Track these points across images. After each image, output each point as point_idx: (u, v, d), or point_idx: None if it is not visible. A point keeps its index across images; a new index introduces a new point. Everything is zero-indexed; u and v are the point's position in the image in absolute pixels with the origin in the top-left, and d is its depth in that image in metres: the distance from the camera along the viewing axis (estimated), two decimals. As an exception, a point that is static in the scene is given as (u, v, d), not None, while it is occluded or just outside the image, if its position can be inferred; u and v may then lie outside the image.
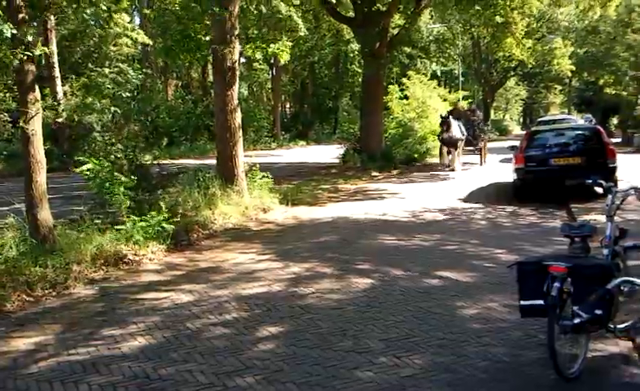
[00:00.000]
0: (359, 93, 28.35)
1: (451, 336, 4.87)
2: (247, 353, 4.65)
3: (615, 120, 43.41)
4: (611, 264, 4.21)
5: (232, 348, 4.76)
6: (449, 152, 19.46)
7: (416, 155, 23.11)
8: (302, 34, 19.97)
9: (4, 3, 6.97)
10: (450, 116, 18.96)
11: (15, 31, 6.51)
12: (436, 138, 20.87)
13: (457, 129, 18.85)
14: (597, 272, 3.94)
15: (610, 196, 4.61)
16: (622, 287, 4.04)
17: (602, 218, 6.22)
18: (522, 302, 4.10)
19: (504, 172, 15.73)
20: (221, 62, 11.41)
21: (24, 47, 6.84)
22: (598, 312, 3.86)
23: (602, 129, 13.13)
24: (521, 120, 77.87)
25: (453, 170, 18.86)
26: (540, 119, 33.55)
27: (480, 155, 21.42)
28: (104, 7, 7.56)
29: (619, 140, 32.26)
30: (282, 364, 4.41)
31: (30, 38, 6.89)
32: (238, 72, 12.01)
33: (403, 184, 16.48)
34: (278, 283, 6.63)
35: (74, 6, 7.86)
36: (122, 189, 8.44)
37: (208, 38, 9.71)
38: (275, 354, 4.61)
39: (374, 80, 20.70)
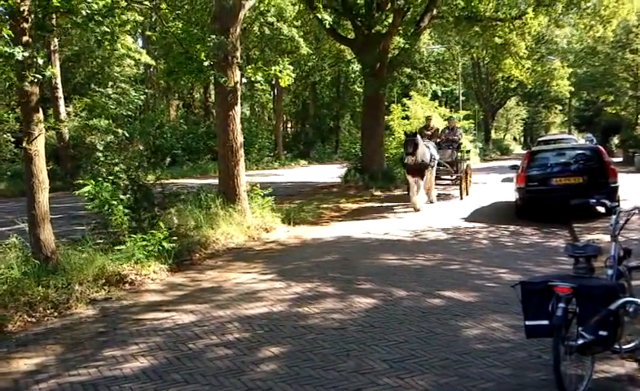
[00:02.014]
0: (360, 113, 28.49)
1: (454, 357, 4.84)
2: (250, 374, 4.62)
3: (615, 140, 43.53)
4: (616, 284, 4.20)
5: (234, 369, 4.73)
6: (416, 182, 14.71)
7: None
8: (304, 52, 20.11)
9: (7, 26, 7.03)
10: (418, 136, 14.50)
11: (26, 53, 6.57)
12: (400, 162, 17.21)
13: (425, 152, 14.39)
14: (602, 293, 3.92)
15: (614, 216, 4.60)
16: (627, 308, 4.02)
17: (605, 237, 6.23)
18: (527, 322, 4.08)
19: (506, 191, 15.73)
20: (222, 83, 11.48)
21: (34, 70, 6.90)
22: (603, 333, 3.84)
23: (602, 149, 13.16)
24: (522, 139, 78.08)
25: (415, 208, 14.29)
26: (540, 138, 33.65)
27: (461, 186, 16.57)
28: (108, 29, 7.62)
29: (620, 159, 32.30)
30: (284, 385, 4.38)
31: (41, 61, 6.96)
32: (239, 93, 12.07)
33: (405, 203, 16.47)
34: (280, 303, 6.61)
35: (79, 30, 7.94)
36: (122, 209, 8.45)
37: (207, 63, 9.80)
38: (278, 375, 4.58)
39: (375, 100, 20.79)
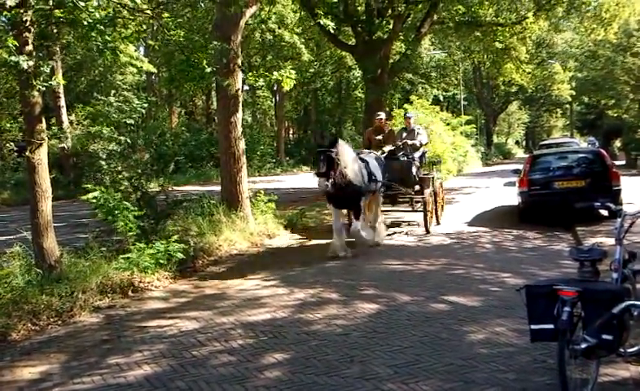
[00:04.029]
0: (362, 119, 28.51)
1: (459, 362, 4.82)
2: (254, 380, 4.61)
3: (618, 143, 43.52)
4: (621, 288, 4.18)
5: (238, 375, 4.72)
6: (349, 217, 10.47)
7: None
8: (305, 59, 20.13)
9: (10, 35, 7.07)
10: (343, 145, 9.30)
11: (31, 62, 6.60)
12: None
13: (357, 170, 9.45)
14: (607, 296, 3.91)
15: (619, 219, 4.59)
16: (632, 311, 4.01)
17: (608, 241, 6.22)
18: (532, 326, 4.07)
19: (508, 195, 15.71)
20: (224, 90, 11.51)
21: (41, 79, 6.94)
22: (608, 337, 3.82)
23: (604, 152, 13.15)
24: (524, 143, 78.08)
25: (341, 255, 9.44)
26: (542, 142, 33.68)
27: (425, 214, 11.65)
28: (110, 39, 7.66)
29: (622, 163, 32.27)
30: (289, 392, 4.37)
31: (47, 70, 6.99)
32: (241, 100, 12.11)
33: (408, 208, 16.43)
34: (283, 309, 6.60)
35: (82, 40, 7.99)
36: (130, 216, 8.47)
37: (209, 70, 9.82)
38: (282, 382, 4.57)
39: (376, 105, 20.81)
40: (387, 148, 11.70)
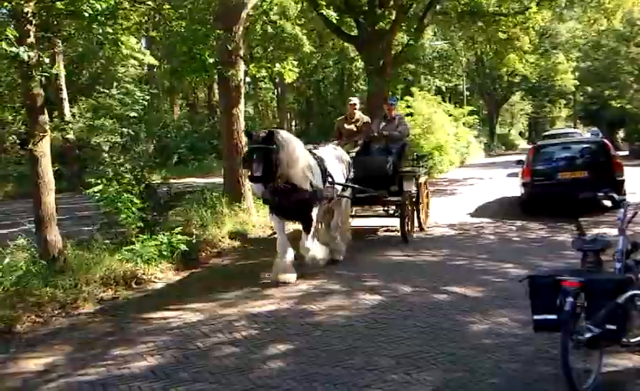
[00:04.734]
0: (364, 110, 28.44)
1: (462, 352, 4.83)
2: (257, 371, 4.63)
3: (621, 133, 43.37)
4: (625, 278, 4.18)
5: (242, 366, 4.73)
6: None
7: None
8: (307, 50, 20.06)
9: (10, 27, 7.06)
10: (284, 137, 7.10)
11: (31, 53, 6.60)
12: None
13: (305, 171, 7.35)
14: (611, 286, 3.91)
15: (622, 210, 4.58)
16: (635, 301, 4.01)
17: (612, 231, 6.21)
18: (535, 317, 4.08)
19: (511, 186, 15.68)
20: (226, 82, 11.50)
21: (41, 69, 6.93)
22: (611, 326, 3.83)
23: (608, 143, 13.10)
24: (527, 134, 77.88)
25: (280, 280, 7.32)
26: (545, 133, 33.57)
27: (403, 221, 9.61)
28: (111, 31, 7.65)
29: (626, 153, 32.17)
30: (292, 382, 4.38)
31: (47, 60, 6.99)
32: (243, 91, 12.09)
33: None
34: (286, 300, 6.61)
35: (83, 32, 7.98)
36: (134, 208, 8.49)
37: (211, 61, 9.81)
38: (285, 372, 4.58)
39: (378, 97, 20.75)
40: (360, 140, 10.11)
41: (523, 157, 13.77)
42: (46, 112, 7.56)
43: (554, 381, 4.10)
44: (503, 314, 5.76)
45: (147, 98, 10.23)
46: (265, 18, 15.70)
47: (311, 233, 7.57)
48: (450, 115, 29.44)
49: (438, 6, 20.57)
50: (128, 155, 9.51)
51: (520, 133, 73.19)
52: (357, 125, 10.27)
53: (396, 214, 10.01)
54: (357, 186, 9.05)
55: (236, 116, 11.73)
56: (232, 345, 5.26)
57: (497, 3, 21.62)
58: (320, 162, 7.83)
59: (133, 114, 9.59)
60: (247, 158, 7.15)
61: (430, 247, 9.42)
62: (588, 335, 3.79)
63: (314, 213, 7.58)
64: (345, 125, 10.39)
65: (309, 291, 6.98)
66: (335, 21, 17.09)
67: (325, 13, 11.62)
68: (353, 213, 10.30)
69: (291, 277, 7.34)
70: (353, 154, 9.73)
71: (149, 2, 8.70)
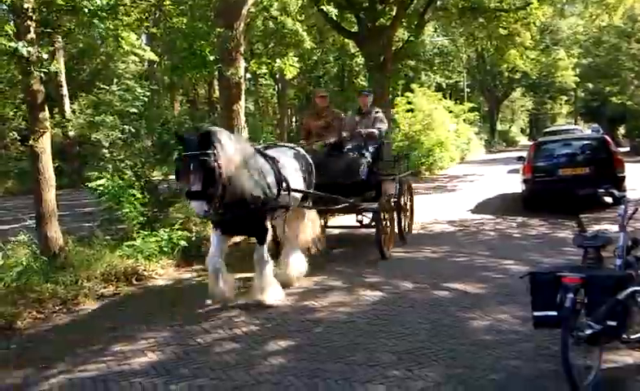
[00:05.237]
0: (365, 106, 28.40)
1: (462, 348, 4.83)
2: (258, 367, 4.63)
3: (622, 130, 43.32)
4: (625, 275, 4.18)
5: (243, 362, 4.74)
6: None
7: (423, 168, 23.09)
8: (308, 46, 20.00)
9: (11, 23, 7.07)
10: (220, 142, 5.60)
11: (31, 49, 6.60)
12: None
13: (255, 178, 6.18)
14: (611, 283, 3.92)
15: (623, 206, 4.58)
16: (636, 298, 4.01)
17: (612, 228, 6.21)
18: (535, 313, 4.08)
19: (512, 183, 15.68)
20: (226, 78, 11.47)
21: (40, 65, 6.93)
22: (612, 323, 3.84)
23: (609, 139, 13.09)
24: (528, 131, 77.83)
25: (227, 298, 6.35)
26: (546, 129, 33.54)
27: (379, 228, 8.17)
28: (112, 27, 7.65)
29: (627, 149, 32.13)
30: (293, 379, 4.39)
31: (45, 56, 7.00)
32: (244, 88, 12.07)
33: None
34: (287, 296, 6.60)
35: (83, 28, 7.98)
36: (136, 203, 8.49)
37: (212, 58, 9.79)
38: (286, 368, 4.59)
39: (379, 93, 20.71)
40: (331, 139, 8.69)
41: (523, 154, 13.77)
42: (46, 108, 7.57)
43: (555, 378, 4.10)
44: (504, 310, 5.76)
45: (148, 94, 10.23)
46: (265, 14, 15.67)
47: (266, 244, 6.40)
48: (451, 111, 29.41)
49: (439, 2, 20.55)
50: (128, 152, 9.51)
51: (521, 130, 73.14)
52: (328, 120, 8.96)
53: (371, 225, 8.55)
54: (320, 193, 7.60)
55: (237, 113, 11.70)
56: (233, 341, 5.26)
57: (498, -1, 21.59)
58: (273, 165, 6.58)
59: (133, 110, 9.60)
60: (179, 169, 5.78)
61: (430, 243, 9.42)
62: (588, 331, 3.80)
63: (267, 222, 6.46)
64: (314, 122, 9.12)
65: (309, 287, 6.99)
66: (335, 17, 17.05)
67: (325, 9, 11.60)
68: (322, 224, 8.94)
69: (229, 296, 6.28)
70: (322, 155, 8.38)
71: (149, -2, 8.70)
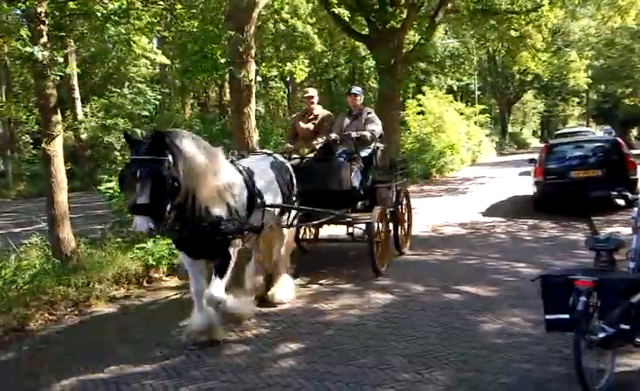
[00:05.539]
0: (375, 109, 28.43)
1: (473, 352, 4.81)
2: (268, 370, 4.64)
3: (634, 132, 42.97)
4: (638, 277, 4.15)
5: (253, 365, 4.75)
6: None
7: (434, 170, 23.04)
8: (318, 49, 20.04)
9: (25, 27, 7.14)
10: (178, 146, 4.74)
11: (45, 53, 6.67)
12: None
13: (222, 193, 5.18)
14: (624, 286, 3.88)
15: (636, 209, 4.54)
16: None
17: (625, 230, 6.16)
18: (547, 316, 4.06)
19: (523, 185, 15.58)
20: (237, 81, 11.51)
21: (55, 69, 7.01)
22: (625, 326, 3.80)
23: (621, 141, 12.98)
24: (539, 133, 77.41)
25: (215, 338, 5.32)
26: (558, 132, 33.34)
27: (372, 244, 7.26)
28: (124, 31, 7.70)
29: (639, 152, 31.83)
30: (303, 381, 4.38)
31: (61, 59, 7.07)
32: (254, 91, 12.10)
33: (421, 199, 16.39)
34: (298, 299, 6.61)
35: (96, 32, 8.05)
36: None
37: (223, 61, 9.81)
38: (296, 371, 4.59)
39: (389, 96, 20.71)
40: (320, 140, 7.90)
41: (535, 156, 13.68)
42: (58, 111, 7.63)
43: (567, 381, 4.07)
44: (515, 313, 5.73)
45: (159, 97, 10.30)
46: (276, 17, 15.72)
47: (225, 278, 5.26)
48: (462, 113, 29.30)
49: (450, 4, 20.46)
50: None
51: (533, 132, 72.71)
52: (316, 122, 8.17)
53: (364, 239, 7.61)
54: (301, 207, 6.84)
55: (247, 116, 11.72)
56: (243, 344, 5.27)
57: (510, 1, 21.48)
58: (247, 177, 5.68)
59: (144, 113, 9.65)
60: (123, 176, 4.79)
61: (441, 246, 9.38)
62: (601, 335, 3.77)
63: (234, 249, 5.36)
64: (301, 124, 8.29)
65: (320, 290, 6.99)
66: (346, 20, 17.05)
67: (336, 12, 11.59)
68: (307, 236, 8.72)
69: (216, 335, 5.29)
70: (309, 160, 7.77)
71: (161, 3, 8.75)
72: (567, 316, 3.89)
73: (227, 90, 30.09)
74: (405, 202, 9.03)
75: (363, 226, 7.58)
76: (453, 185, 19.79)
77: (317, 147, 7.88)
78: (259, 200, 5.70)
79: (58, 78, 7.25)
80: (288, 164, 6.90)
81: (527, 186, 14.07)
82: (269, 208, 5.92)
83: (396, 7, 19.52)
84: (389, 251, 8.03)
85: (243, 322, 5.76)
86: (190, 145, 4.85)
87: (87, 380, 4.64)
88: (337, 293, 6.78)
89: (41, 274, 6.93)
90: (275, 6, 13.37)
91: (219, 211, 5.11)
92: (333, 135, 7.77)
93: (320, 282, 7.31)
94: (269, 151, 7.04)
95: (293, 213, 6.72)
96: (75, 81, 21.52)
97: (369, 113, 8.38)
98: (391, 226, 8.25)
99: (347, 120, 8.28)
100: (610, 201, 11.80)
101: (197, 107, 42.42)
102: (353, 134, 7.78)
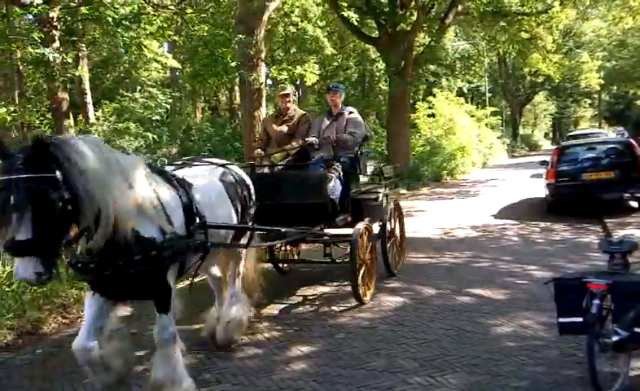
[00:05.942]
0: (385, 111, 28.40)
1: (485, 355, 4.78)
2: (280, 373, 4.64)
3: (647, 133, 42.56)
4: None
5: (264, 368, 4.75)
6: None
7: (444, 173, 22.97)
8: (328, 53, 20.06)
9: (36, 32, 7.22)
10: (70, 155, 3.31)
11: (57, 54, 6.75)
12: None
13: (147, 214, 3.82)
14: (638, 289, 3.85)
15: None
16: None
17: (638, 232, 6.10)
18: (560, 319, 4.03)
19: (535, 187, 15.50)
20: (248, 84, 11.57)
21: (65, 70, 7.09)
22: (639, 329, 3.77)
23: (634, 143, 12.88)
24: (551, 135, 76.95)
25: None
26: (570, 133, 33.13)
27: (355, 267, 6.13)
28: (135, 35, 7.78)
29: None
30: (315, 384, 4.38)
31: (70, 60, 7.15)
32: (264, 94, 12.15)
33: (432, 201, 16.36)
34: (309, 302, 6.61)
35: (107, 37, 8.14)
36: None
37: (233, 64, 9.87)
38: (308, 374, 4.58)
39: (400, 98, 20.73)
40: (294, 145, 7.08)
41: (547, 158, 13.61)
42: (71, 115, 7.70)
43: (580, 385, 4.04)
44: (527, 316, 5.69)
45: (170, 101, 10.36)
46: (286, 20, 15.77)
47: (170, 313, 4.16)
48: (472, 116, 29.21)
49: (460, 7, 20.43)
50: (151, 159, 9.62)
51: (545, 134, 72.30)
52: (291, 124, 7.24)
53: (344, 261, 6.76)
54: (258, 227, 5.56)
55: (257, 119, 11.79)
56: (255, 347, 5.28)
57: (520, 2, 21.41)
58: (183, 191, 4.32)
59: (156, 117, 9.70)
60: None
61: (453, 248, 9.35)
62: (615, 338, 3.74)
63: (171, 277, 4.14)
64: (274, 126, 7.33)
65: (330, 293, 6.98)
66: (356, 23, 17.08)
67: (346, 15, 11.63)
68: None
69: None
70: (280, 168, 6.99)
71: (171, 7, 8.82)
72: (580, 319, 3.87)
73: (238, 94, 30.25)
74: (396, 215, 7.95)
75: (343, 245, 6.75)
76: (464, 187, 19.73)
77: (292, 152, 7.06)
78: (197, 219, 4.34)
79: (68, 80, 7.32)
80: (244, 176, 5.60)
81: (539, 189, 14.01)
82: (212, 229, 4.53)
83: (406, 10, 19.54)
84: (375, 274, 6.87)
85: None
86: (88, 153, 3.46)
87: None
88: (347, 296, 6.75)
89: (54, 278, 6.97)
90: (285, 9, 13.43)
91: (150, 232, 3.84)
92: (310, 138, 6.88)
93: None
94: (223, 161, 5.62)
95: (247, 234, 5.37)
96: (87, 86, 21.66)
97: (351, 113, 7.23)
98: (378, 244, 7.15)
99: (326, 122, 7.17)
100: (623, 203, 11.71)
101: (208, 111, 42.59)
102: (332, 137, 6.86)
